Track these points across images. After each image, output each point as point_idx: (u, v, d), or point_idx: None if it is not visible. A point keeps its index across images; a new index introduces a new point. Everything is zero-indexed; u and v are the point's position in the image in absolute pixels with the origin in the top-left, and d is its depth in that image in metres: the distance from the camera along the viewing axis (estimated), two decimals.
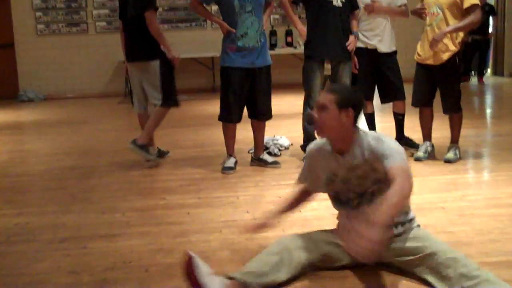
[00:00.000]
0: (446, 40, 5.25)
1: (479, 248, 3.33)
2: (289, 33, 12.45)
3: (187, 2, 11.33)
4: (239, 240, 3.62)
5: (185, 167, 5.73)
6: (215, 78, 12.13)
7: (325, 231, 3.16)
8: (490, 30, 13.01)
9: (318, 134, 2.92)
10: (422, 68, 5.51)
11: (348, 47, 5.56)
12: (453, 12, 5.23)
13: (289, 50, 12.37)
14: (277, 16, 12.67)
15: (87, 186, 5.18)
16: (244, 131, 6.26)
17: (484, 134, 7.14)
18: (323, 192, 3.18)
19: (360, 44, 5.74)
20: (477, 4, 5.16)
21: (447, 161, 5.41)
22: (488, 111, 9.80)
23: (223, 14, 5.38)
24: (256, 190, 4.79)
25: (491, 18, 12.81)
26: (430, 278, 2.78)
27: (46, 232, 3.93)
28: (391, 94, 5.93)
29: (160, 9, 6.40)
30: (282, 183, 4.93)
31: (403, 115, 6.02)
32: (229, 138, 5.50)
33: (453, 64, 5.36)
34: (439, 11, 5.28)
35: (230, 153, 5.51)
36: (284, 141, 6.38)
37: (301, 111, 5.84)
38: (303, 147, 5.81)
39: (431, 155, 5.61)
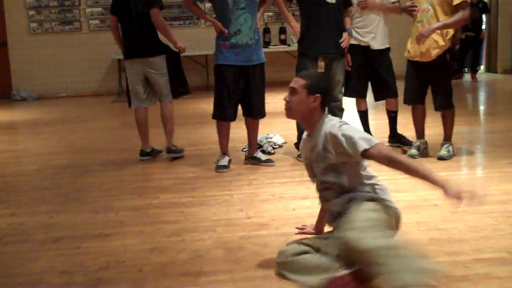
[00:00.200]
0: (436, 37, 5.25)
1: (472, 245, 3.34)
2: (282, 30, 12.43)
3: (180, 0, 11.32)
4: (234, 239, 3.62)
5: (179, 166, 5.72)
6: (209, 76, 12.11)
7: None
8: (483, 27, 13.04)
9: (286, 115, 3.14)
10: (412, 65, 5.52)
11: (342, 44, 5.56)
12: (443, 9, 5.24)
13: (283, 47, 12.37)
14: (270, 14, 12.65)
15: (80, 185, 5.17)
16: (238, 130, 6.26)
17: (477, 131, 7.16)
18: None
19: (353, 41, 5.74)
20: (467, 1, 5.18)
21: (441, 158, 5.42)
22: (482, 108, 9.83)
23: (217, 11, 5.37)
24: (250, 189, 4.79)
25: (484, 15, 12.83)
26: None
27: (40, 232, 3.92)
28: (384, 92, 5.94)
29: None
30: (276, 181, 4.93)
31: (396, 113, 6.03)
32: (223, 136, 5.50)
33: (444, 61, 5.37)
34: (429, 7, 5.29)
35: (224, 151, 5.51)
36: (277, 139, 6.38)
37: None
38: (297, 145, 5.81)
39: (425, 153, 5.61)
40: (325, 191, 3.10)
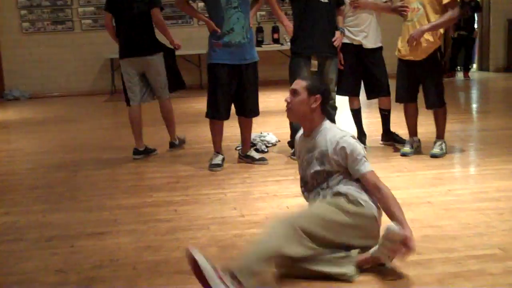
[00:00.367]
0: (427, 36, 5.27)
1: (465, 242, 3.36)
2: (275, 29, 12.45)
3: None
4: (227, 237, 3.62)
5: (172, 164, 5.72)
6: (202, 75, 12.12)
7: None
8: (476, 26, 13.10)
9: (288, 116, 3.30)
10: (403, 64, 5.54)
11: (335, 43, 5.56)
12: (434, 8, 5.26)
13: (276, 46, 12.38)
14: (263, 13, 12.66)
15: (74, 184, 5.16)
16: (231, 128, 6.26)
17: (470, 129, 7.19)
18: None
19: (345, 40, 5.74)
20: (456, 0, 5.20)
21: (433, 156, 5.43)
22: (474, 106, 9.87)
23: (209, 10, 5.37)
24: (244, 187, 4.79)
25: (476, 14, 12.88)
26: None
27: (33, 231, 3.91)
28: (377, 90, 5.94)
29: None
30: (270, 180, 4.94)
31: (389, 111, 6.04)
32: (216, 135, 5.50)
33: (434, 59, 5.39)
34: (419, 6, 5.30)
35: (217, 150, 5.51)
36: (271, 137, 6.39)
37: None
38: (290, 144, 5.82)
39: (418, 150, 5.63)
40: (311, 190, 3.21)
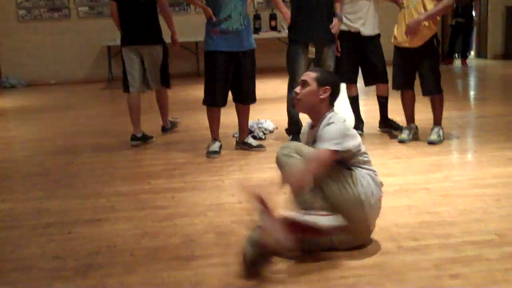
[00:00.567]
0: (423, 22, 5.26)
1: (463, 228, 3.36)
2: (273, 17, 12.41)
3: None
4: (225, 223, 3.62)
5: (170, 151, 5.72)
6: (199, 63, 12.09)
7: None
8: (474, 13, 13.07)
9: (297, 108, 3.28)
10: (400, 51, 5.53)
11: (332, 30, 5.54)
12: None
13: (273, 34, 12.34)
14: (261, 0, 12.61)
15: (71, 171, 5.15)
16: (228, 116, 6.25)
17: (467, 116, 7.18)
18: None
19: (343, 27, 5.72)
20: None
21: (431, 143, 5.43)
22: (472, 93, 9.86)
23: None
24: (241, 174, 4.80)
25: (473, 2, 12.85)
26: None
27: (31, 218, 3.91)
28: (375, 77, 5.93)
29: None
30: (267, 167, 4.93)
31: (386, 98, 6.03)
32: (214, 122, 5.49)
33: (431, 46, 5.39)
34: None
35: (215, 137, 5.50)
36: (268, 124, 6.38)
37: (286, 95, 5.83)
38: (288, 131, 5.82)
39: (415, 137, 5.64)
40: None
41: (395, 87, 5.67)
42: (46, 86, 12.16)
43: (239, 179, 4.61)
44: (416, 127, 5.71)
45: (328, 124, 3.06)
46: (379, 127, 6.11)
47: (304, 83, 3.17)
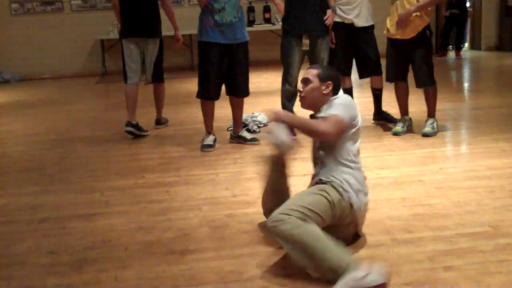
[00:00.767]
0: (414, 15, 5.27)
1: (456, 220, 3.37)
2: (267, 9, 12.39)
3: None
4: (219, 217, 3.62)
5: (164, 145, 5.71)
6: (193, 56, 12.06)
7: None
8: (468, 4, 13.06)
9: (302, 105, 3.26)
10: (392, 43, 5.53)
11: (326, 22, 5.54)
12: None
13: (267, 26, 12.32)
14: None
15: (65, 166, 5.14)
16: (222, 109, 6.25)
17: (461, 108, 7.19)
18: None
19: (337, 19, 5.71)
20: None
21: (425, 135, 5.44)
22: (466, 84, 9.88)
23: None
24: (236, 167, 4.79)
25: None
26: None
27: (25, 213, 3.90)
28: (369, 69, 5.93)
29: None
30: (261, 160, 4.93)
31: (380, 90, 6.03)
32: (208, 115, 5.48)
33: (423, 37, 5.40)
34: None
35: (209, 130, 5.50)
36: (262, 118, 6.37)
37: (280, 88, 5.83)
38: None
39: (409, 129, 5.64)
40: (317, 164, 3.19)
41: (388, 79, 5.68)
42: (39, 81, 12.12)
43: (233, 173, 4.61)
44: (410, 119, 5.72)
45: (332, 102, 3.11)
46: (374, 119, 6.11)
47: (307, 81, 3.17)
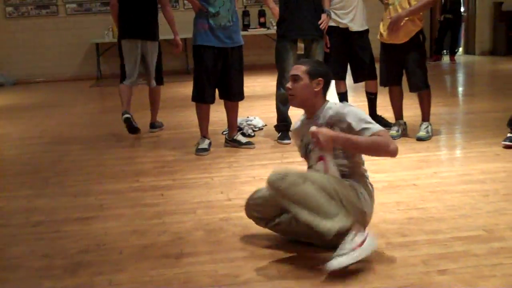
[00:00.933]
0: (406, 19, 5.28)
1: (451, 224, 3.38)
2: (262, 13, 12.39)
3: None
4: (214, 220, 3.62)
5: (159, 149, 5.71)
6: (188, 60, 12.06)
7: None
8: (462, 9, 13.10)
9: (291, 103, 3.21)
10: (386, 47, 5.55)
11: (321, 26, 5.55)
12: None
13: (262, 30, 12.33)
14: None
15: (59, 170, 5.13)
16: (218, 113, 6.25)
17: (456, 112, 7.21)
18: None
19: (332, 23, 5.72)
20: None
21: (419, 139, 5.45)
22: (460, 89, 9.90)
23: None
24: (230, 171, 4.79)
25: None
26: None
27: (19, 217, 3.89)
28: (363, 74, 5.95)
29: None
30: (256, 164, 4.94)
31: (375, 94, 6.05)
32: (203, 119, 5.48)
33: (417, 42, 5.41)
34: None
35: (204, 134, 5.49)
36: (257, 121, 6.38)
37: (274, 91, 5.84)
38: (277, 128, 5.81)
39: (404, 133, 5.65)
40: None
41: (382, 83, 5.70)
42: (34, 84, 12.09)
43: (228, 177, 4.61)
44: (405, 123, 5.73)
45: (341, 111, 3.05)
46: None
47: (296, 78, 3.11)
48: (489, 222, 3.40)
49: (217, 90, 5.46)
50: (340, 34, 5.80)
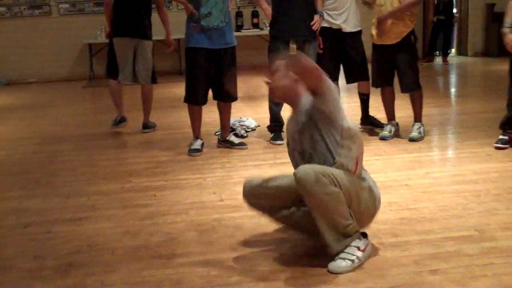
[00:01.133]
0: (396, 20, 5.30)
1: (443, 224, 3.39)
2: (255, 14, 12.38)
3: None
4: (206, 221, 3.62)
5: (151, 149, 5.70)
6: (181, 61, 12.05)
7: None
8: (455, 10, 13.13)
9: (273, 97, 3.21)
10: (377, 49, 5.56)
11: (313, 27, 5.55)
12: None
13: (255, 31, 12.32)
14: None
15: (51, 170, 5.11)
16: (210, 114, 6.25)
17: (448, 113, 7.23)
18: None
19: (325, 24, 5.72)
20: None
21: (412, 140, 5.46)
22: (453, 90, 9.93)
23: None
24: (223, 172, 4.79)
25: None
26: None
27: (10, 218, 3.88)
28: (356, 74, 5.94)
29: None
30: (249, 164, 4.94)
31: (368, 95, 6.04)
32: (195, 120, 5.48)
33: (408, 43, 5.43)
34: None
35: (197, 135, 5.49)
36: (250, 122, 6.38)
37: (267, 92, 5.82)
38: (270, 128, 5.81)
39: (396, 134, 5.66)
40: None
41: (374, 84, 5.71)
42: (26, 85, 12.04)
43: (221, 177, 4.61)
44: (397, 124, 5.74)
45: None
46: (361, 124, 6.12)
47: (274, 72, 3.06)
48: (480, 222, 3.41)
49: (210, 91, 5.45)
50: (333, 35, 5.79)
